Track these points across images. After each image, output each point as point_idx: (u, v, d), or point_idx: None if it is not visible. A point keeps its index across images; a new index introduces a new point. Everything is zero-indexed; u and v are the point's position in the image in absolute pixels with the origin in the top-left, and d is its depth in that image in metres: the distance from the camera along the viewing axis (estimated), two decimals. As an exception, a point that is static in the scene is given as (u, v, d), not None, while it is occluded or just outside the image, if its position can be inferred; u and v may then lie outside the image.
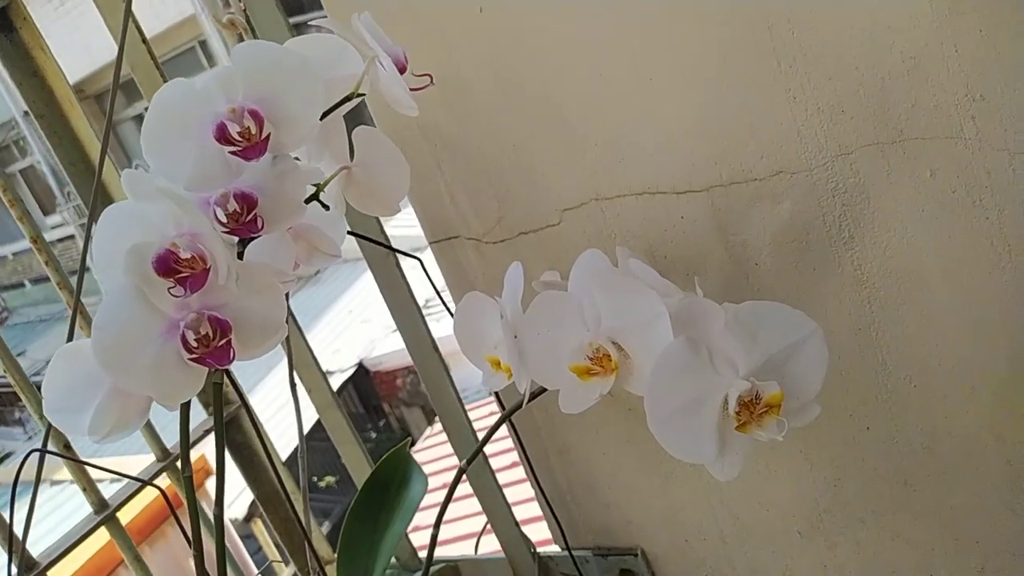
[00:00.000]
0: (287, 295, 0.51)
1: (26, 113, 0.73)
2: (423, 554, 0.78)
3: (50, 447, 0.60)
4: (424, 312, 0.78)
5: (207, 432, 0.81)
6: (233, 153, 0.43)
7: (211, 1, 0.69)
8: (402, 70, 0.48)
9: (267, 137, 0.43)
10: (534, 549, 0.85)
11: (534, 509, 0.84)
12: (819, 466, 0.65)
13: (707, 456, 0.45)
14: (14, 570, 0.61)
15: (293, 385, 0.77)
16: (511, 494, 0.84)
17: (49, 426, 0.61)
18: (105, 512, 0.70)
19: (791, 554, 0.71)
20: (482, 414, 2.97)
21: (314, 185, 0.51)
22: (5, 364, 0.64)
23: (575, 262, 0.50)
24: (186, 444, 0.50)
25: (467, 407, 0.82)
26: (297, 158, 0.51)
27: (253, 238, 0.47)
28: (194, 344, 0.43)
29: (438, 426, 3.33)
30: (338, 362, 5.32)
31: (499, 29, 0.59)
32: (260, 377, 4.32)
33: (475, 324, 0.54)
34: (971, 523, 0.62)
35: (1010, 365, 0.55)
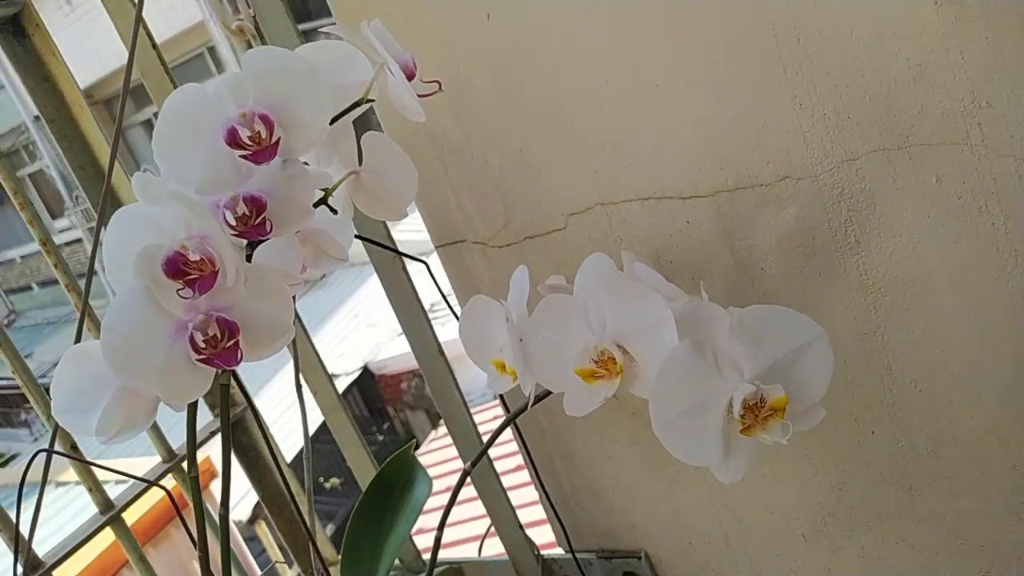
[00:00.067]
0: (294, 298, 0.52)
1: (36, 118, 0.73)
2: (427, 556, 0.79)
3: (57, 448, 0.61)
4: (430, 316, 0.79)
5: (213, 434, 0.81)
6: (243, 157, 0.43)
7: (220, 7, 0.70)
8: (411, 76, 0.49)
9: (277, 141, 0.44)
10: (538, 552, 0.85)
11: (538, 512, 0.84)
12: (824, 470, 0.65)
13: (712, 459, 0.45)
14: (20, 570, 0.62)
15: (299, 387, 0.78)
16: (515, 497, 0.84)
17: (56, 427, 0.61)
18: (110, 513, 0.70)
19: (795, 558, 0.71)
20: (486, 417, 2.97)
21: (323, 189, 0.51)
22: (13, 365, 0.65)
23: (580, 266, 0.50)
24: (192, 445, 0.51)
25: (472, 410, 0.82)
26: (306, 163, 0.51)
27: (262, 241, 0.48)
28: (202, 345, 0.43)
29: (442, 429, 3.34)
30: (343, 365, 5.33)
31: (506, 36, 0.60)
32: (266, 379, 4.33)
33: (481, 327, 0.54)
34: (976, 528, 0.62)
35: (1016, 370, 0.55)
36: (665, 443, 0.45)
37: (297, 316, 0.72)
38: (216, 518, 0.54)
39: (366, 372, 5.55)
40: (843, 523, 0.67)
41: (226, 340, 0.43)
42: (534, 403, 0.52)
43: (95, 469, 0.68)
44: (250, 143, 0.43)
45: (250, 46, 0.69)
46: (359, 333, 5.63)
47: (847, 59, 0.50)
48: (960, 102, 0.49)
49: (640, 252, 0.62)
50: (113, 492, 0.73)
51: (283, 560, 0.96)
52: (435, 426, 4.49)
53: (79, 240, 7.56)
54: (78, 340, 0.62)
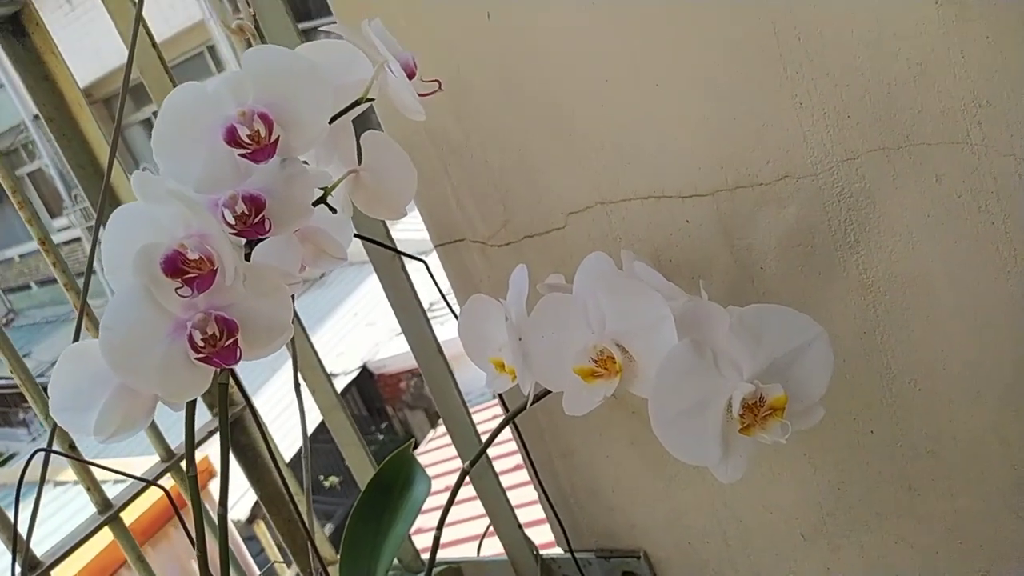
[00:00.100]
0: (293, 297, 0.52)
1: (36, 116, 0.73)
2: (426, 556, 0.79)
3: (55, 447, 0.61)
4: (429, 315, 0.79)
5: (212, 433, 0.81)
6: (242, 156, 0.43)
7: (220, 6, 0.70)
8: (411, 75, 0.48)
9: (276, 140, 0.44)
10: (537, 551, 0.85)
11: (537, 512, 0.84)
12: (823, 469, 0.65)
13: (711, 459, 0.45)
14: (18, 569, 0.62)
15: (297, 386, 0.78)
16: (514, 497, 0.84)
17: (54, 426, 0.61)
18: (109, 512, 0.70)
19: (794, 557, 0.71)
20: (485, 417, 2.97)
21: (322, 188, 0.51)
22: (11, 365, 0.65)
23: (580, 265, 0.50)
24: (191, 444, 0.51)
25: (471, 410, 0.82)
26: (305, 162, 0.51)
27: (260, 240, 0.48)
28: (201, 344, 0.43)
29: (441, 429, 3.34)
30: (342, 365, 5.33)
31: (506, 36, 0.60)
32: (265, 379, 4.33)
33: (480, 326, 0.54)
34: (975, 527, 0.62)
35: (1015, 369, 0.55)
36: (664, 442, 0.45)
37: (296, 315, 0.72)
38: (214, 518, 0.54)
39: (365, 371, 5.55)
40: (842, 523, 0.67)
41: (225, 339, 0.43)
42: (533, 402, 0.52)
43: (93, 468, 0.68)
44: (249, 142, 0.43)
45: (250, 45, 0.69)
46: (358, 332, 5.63)
47: (847, 58, 0.50)
48: (960, 101, 0.49)
49: (640, 251, 0.62)
50: (111, 492, 0.72)
51: (282, 560, 0.96)
52: (434, 425, 4.49)
53: (78, 239, 7.56)
54: (77, 339, 0.61)
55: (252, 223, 0.45)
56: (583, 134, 0.61)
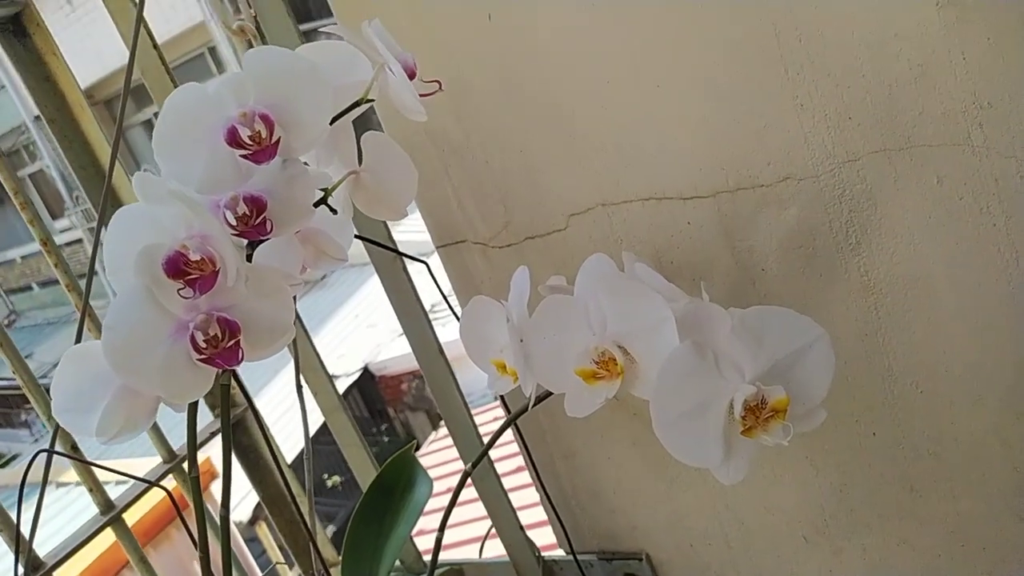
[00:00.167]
0: (294, 298, 0.52)
1: (37, 118, 0.73)
2: (428, 558, 0.79)
3: (57, 448, 0.61)
4: (430, 316, 0.79)
5: (214, 434, 0.81)
6: (243, 157, 0.43)
7: (221, 7, 0.70)
8: (411, 76, 0.49)
9: (277, 141, 0.44)
10: (539, 553, 0.85)
11: (539, 513, 0.84)
12: (825, 471, 0.65)
13: (712, 460, 0.45)
14: (20, 570, 0.62)
15: (299, 388, 0.78)
16: (516, 498, 0.84)
17: (57, 427, 0.61)
18: (111, 513, 0.70)
19: (796, 559, 0.71)
20: (487, 419, 2.97)
21: (322, 189, 0.51)
22: (14, 366, 0.65)
23: (581, 266, 0.50)
24: (193, 445, 0.51)
25: (472, 411, 0.82)
26: (306, 163, 0.51)
27: (262, 241, 0.48)
28: (203, 345, 0.43)
29: (443, 431, 3.34)
30: (344, 366, 5.33)
31: (507, 37, 0.60)
32: (267, 380, 4.33)
33: (481, 328, 0.54)
34: (978, 529, 0.62)
35: (1017, 371, 0.55)
36: (666, 444, 0.45)
37: (298, 317, 0.72)
38: (217, 519, 0.54)
39: (366, 373, 5.55)
40: (844, 525, 0.67)
41: (227, 340, 0.43)
42: (535, 404, 0.52)
43: (96, 470, 0.68)
44: (250, 143, 0.43)
45: (251, 46, 0.69)
46: (359, 334, 5.63)
47: (848, 60, 0.50)
48: (961, 103, 0.49)
49: (641, 253, 0.62)
50: (114, 493, 0.73)
51: (283, 561, 0.96)
52: (436, 427, 4.50)
53: (79, 240, 7.57)
54: (79, 340, 0.62)
55: (253, 224, 0.45)
56: (584, 135, 0.61)
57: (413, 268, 0.74)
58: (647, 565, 0.78)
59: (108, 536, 0.71)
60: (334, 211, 0.52)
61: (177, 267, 0.42)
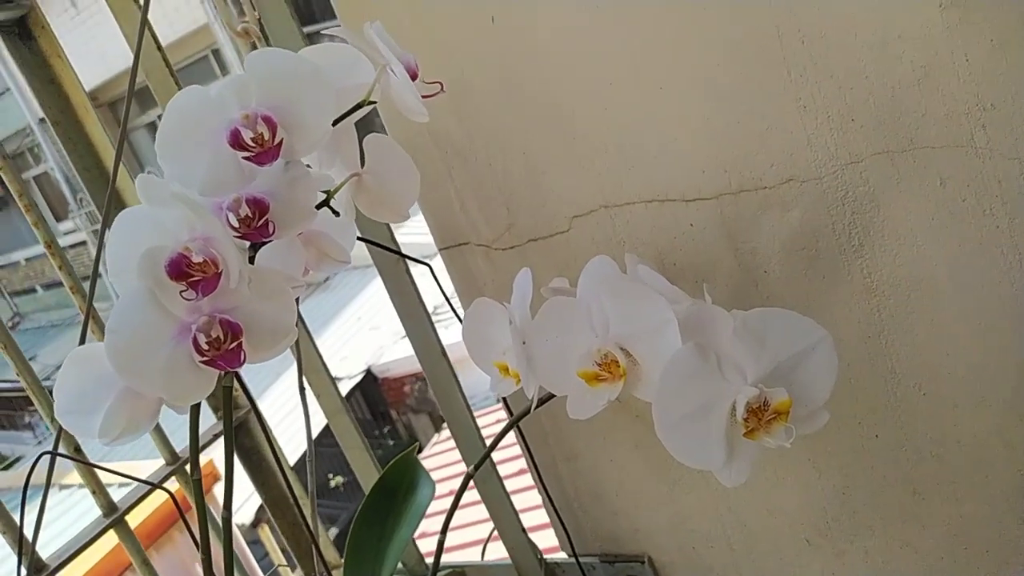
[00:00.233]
0: (297, 300, 0.52)
1: (41, 120, 0.74)
2: (430, 560, 0.79)
3: (60, 450, 0.61)
4: (433, 319, 0.79)
5: (216, 436, 0.82)
6: (246, 158, 0.44)
7: (225, 10, 0.70)
8: (413, 77, 0.49)
9: (279, 143, 0.44)
10: (541, 556, 0.84)
11: (541, 516, 0.84)
12: (827, 474, 0.65)
13: (715, 462, 0.44)
14: (23, 572, 0.62)
15: (302, 390, 0.78)
16: (518, 501, 0.84)
17: (60, 429, 0.61)
18: (114, 515, 0.70)
19: (799, 562, 0.71)
20: (489, 421, 2.97)
21: (325, 191, 0.51)
22: (17, 368, 0.65)
23: (584, 268, 0.50)
24: (195, 447, 0.51)
25: (475, 413, 0.82)
26: (308, 165, 0.51)
27: (264, 243, 0.48)
28: (205, 347, 0.43)
29: (445, 433, 3.33)
30: (346, 369, 5.34)
31: (509, 39, 0.60)
32: (269, 382, 4.33)
33: (484, 330, 0.54)
34: (981, 532, 0.62)
35: (1020, 373, 0.55)
36: (668, 446, 0.44)
37: (300, 319, 0.72)
38: (219, 521, 0.54)
39: (369, 375, 5.55)
40: (847, 527, 0.67)
41: (229, 342, 0.43)
42: (537, 406, 0.52)
43: (99, 471, 0.68)
44: (253, 145, 0.44)
45: (255, 48, 0.69)
46: (362, 336, 5.64)
47: (851, 61, 0.50)
48: (964, 105, 0.49)
49: (643, 255, 0.62)
50: (117, 495, 0.73)
51: (286, 563, 0.96)
52: (438, 429, 4.49)
53: (83, 243, 7.59)
54: (82, 342, 0.62)
55: (256, 226, 0.45)
56: (586, 136, 0.61)
57: (416, 270, 0.74)
58: (649, 568, 0.78)
59: (111, 538, 0.71)
60: (336, 213, 0.53)
61: (180, 269, 0.42)
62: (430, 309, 0.79)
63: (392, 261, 0.75)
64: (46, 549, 0.66)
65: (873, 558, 0.67)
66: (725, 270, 0.60)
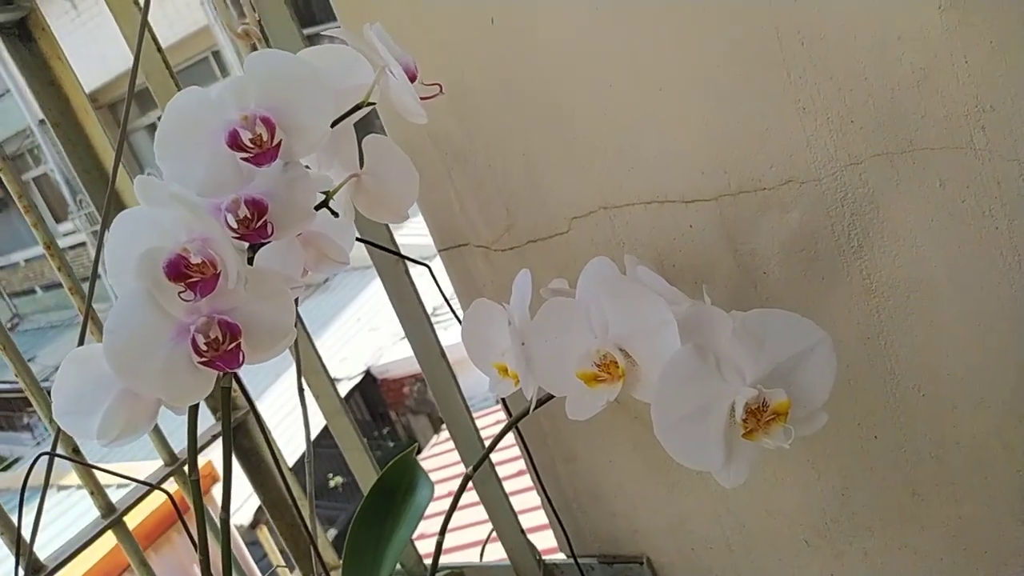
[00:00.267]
0: (296, 301, 0.52)
1: (41, 122, 0.74)
2: (429, 561, 0.78)
3: (59, 451, 0.61)
4: (432, 320, 0.79)
5: (215, 437, 0.81)
6: (245, 159, 0.44)
7: (226, 11, 0.70)
8: (412, 78, 0.49)
9: (278, 144, 0.44)
10: (540, 557, 0.84)
11: (540, 517, 0.84)
12: (826, 475, 0.65)
13: (713, 463, 0.44)
14: (21, 573, 0.62)
15: (301, 391, 0.78)
16: (517, 502, 0.84)
17: (58, 430, 0.61)
18: (112, 516, 0.70)
19: (798, 563, 0.71)
20: (488, 422, 2.96)
21: (324, 192, 0.51)
22: (16, 369, 0.65)
23: (583, 269, 0.50)
24: (193, 447, 0.51)
25: (474, 414, 0.82)
26: (307, 166, 0.51)
27: (263, 244, 0.48)
28: (204, 348, 0.43)
29: (445, 434, 3.33)
30: (345, 370, 5.33)
31: (509, 40, 0.60)
32: (268, 384, 4.33)
33: (483, 331, 0.54)
34: (980, 533, 0.62)
35: (1019, 374, 0.55)
36: (667, 447, 0.44)
37: (299, 320, 0.72)
38: (218, 522, 0.54)
39: (368, 376, 5.55)
40: (846, 528, 0.67)
41: (228, 342, 0.43)
42: (536, 407, 0.52)
43: (97, 472, 0.68)
44: (251, 146, 0.44)
45: (255, 50, 0.69)
46: (361, 337, 5.64)
47: (851, 63, 0.50)
48: (964, 106, 0.49)
49: (643, 256, 0.62)
50: (115, 496, 0.73)
51: (284, 564, 0.96)
52: (437, 430, 4.49)
53: (83, 244, 7.58)
54: (81, 343, 0.62)
55: (255, 227, 0.45)
56: (586, 138, 0.61)
57: (415, 271, 0.74)
58: (648, 569, 0.78)
59: (109, 539, 0.71)
60: (335, 214, 0.53)
61: (178, 270, 0.42)
62: (429, 310, 0.79)
63: (391, 262, 0.75)
64: (44, 550, 0.66)
65: (872, 559, 0.67)
66: (724, 271, 0.60)
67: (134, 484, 0.72)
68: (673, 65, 0.55)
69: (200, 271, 0.42)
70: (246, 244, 0.47)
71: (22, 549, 0.61)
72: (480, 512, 0.85)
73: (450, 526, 0.59)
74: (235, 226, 0.44)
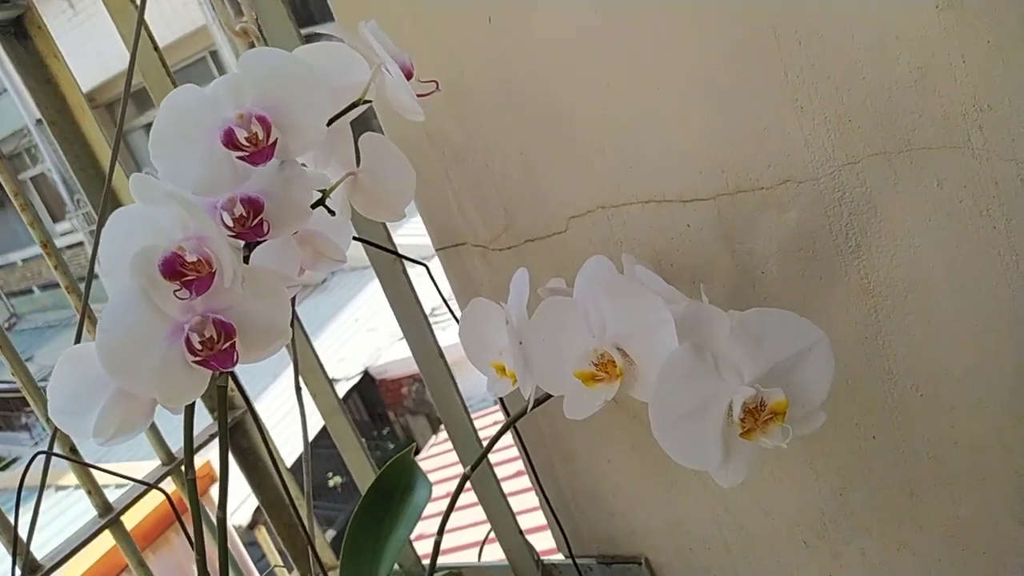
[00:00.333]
0: (293, 300, 0.52)
1: (39, 121, 0.74)
2: (427, 562, 0.78)
3: (56, 450, 0.61)
4: (430, 320, 0.78)
5: (213, 437, 0.81)
6: (240, 158, 0.43)
7: (223, 10, 0.70)
8: (408, 76, 0.48)
9: (274, 143, 0.44)
10: (538, 557, 0.84)
11: (538, 518, 0.84)
12: (825, 475, 0.65)
13: (711, 463, 0.44)
14: (18, 572, 0.62)
15: (299, 391, 0.78)
16: (515, 503, 0.84)
17: (55, 429, 0.61)
18: (109, 516, 0.70)
19: (796, 564, 0.71)
20: (487, 423, 2.96)
21: (320, 191, 0.51)
22: (14, 368, 0.65)
23: (581, 269, 0.50)
24: (190, 447, 0.51)
25: (472, 415, 0.82)
26: (304, 164, 0.51)
27: (259, 242, 0.48)
28: (198, 347, 0.43)
29: (443, 435, 3.33)
30: (344, 370, 5.33)
31: (507, 39, 0.60)
32: (266, 384, 4.33)
33: (481, 330, 0.54)
34: (978, 533, 0.62)
35: (1017, 374, 0.55)
36: (665, 446, 0.44)
37: (297, 319, 0.72)
38: (215, 522, 0.54)
39: (367, 377, 5.55)
40: (844, 529, 0.67)
41: (222, 342, 0.43)
42: (534, 406, 0.52)
43: (94, 472, 0.68)
44: (247, 144, 0.43)
45: (253, 48, 0.69)
46: (359, 338, 5.63)
47: (848, 62, 0.50)
48: (961, 106, 0.49)
49: (641, 255, 0.62)
50: (113, 496, 0.72)
51: (282, 564, 0.96)
52: (435, 431, 4.49)
53: (80, 243, 7.57)
54: (78, 343, 0.61)
55: (250, 225, 0.45)
56: (584, 137, 0.61)
57: (413, 271, 0.74)
58: (646, 569, 0.78)
59: (107, 539, 0.71)
60: (332, 212, 0.52)
61: (173, 268, 0.42)
62: (427, 310, 0.79)
63: (389, 262, 0.75)
64: (41, 550, 0.66)
65: (870, 559, 0.67)
66: (722, 270, 0.60)
67: (132, 484, 0.72)
68: (672, 65, 0.55)
69: (196, 269, 0.42)
70: (242, 242, 0.47)
71: (19, 549, 0.61)
72: (478, 512, 0.84)
73: (448, 527, 0.58)
74: (231, 224, 0.44)
